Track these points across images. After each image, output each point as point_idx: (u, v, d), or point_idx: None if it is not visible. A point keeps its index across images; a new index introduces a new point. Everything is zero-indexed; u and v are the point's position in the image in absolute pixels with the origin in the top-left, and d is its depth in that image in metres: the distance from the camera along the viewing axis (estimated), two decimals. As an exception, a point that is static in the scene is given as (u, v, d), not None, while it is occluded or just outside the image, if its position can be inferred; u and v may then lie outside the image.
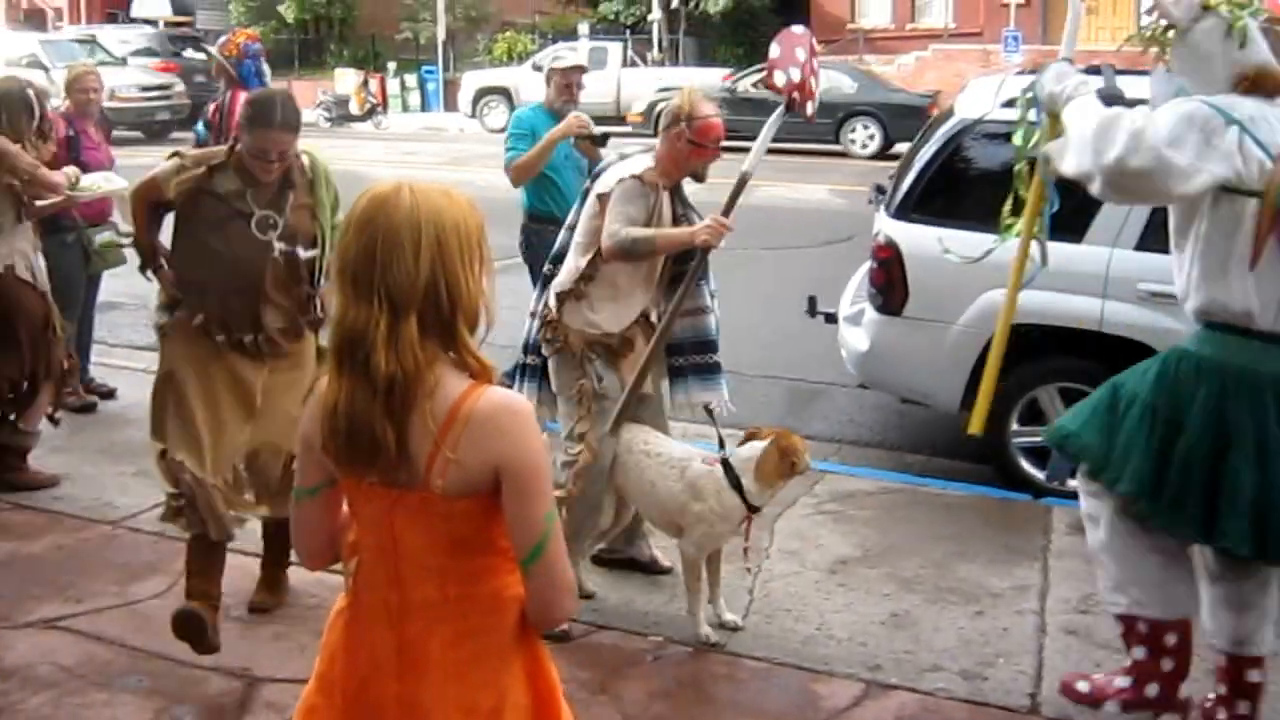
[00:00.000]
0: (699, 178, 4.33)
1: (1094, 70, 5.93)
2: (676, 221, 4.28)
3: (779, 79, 4.29)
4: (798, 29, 4.52)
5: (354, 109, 28.28)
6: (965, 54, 26.58)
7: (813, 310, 6.67)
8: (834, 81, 20.57)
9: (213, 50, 6.74)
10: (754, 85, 20.63)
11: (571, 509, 3.97)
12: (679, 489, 4.01)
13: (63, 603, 4.19)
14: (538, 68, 25.44)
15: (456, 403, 1.85)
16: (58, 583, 4.34)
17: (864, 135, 21.07)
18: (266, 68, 6.81)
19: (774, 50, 4.38)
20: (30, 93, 5.23)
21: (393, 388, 1.82)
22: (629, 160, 4.26)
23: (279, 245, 3.80)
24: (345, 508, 2.06)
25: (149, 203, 3.97)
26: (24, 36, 27.07)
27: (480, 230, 1.91)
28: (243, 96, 6.39)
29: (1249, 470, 3.14)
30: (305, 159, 3.93)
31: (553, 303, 4.23)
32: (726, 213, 4.19)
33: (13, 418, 5.31)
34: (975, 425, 4.50)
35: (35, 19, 37.02)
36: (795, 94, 4.28)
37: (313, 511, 2.06)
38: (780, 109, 4.34)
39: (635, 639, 4.01)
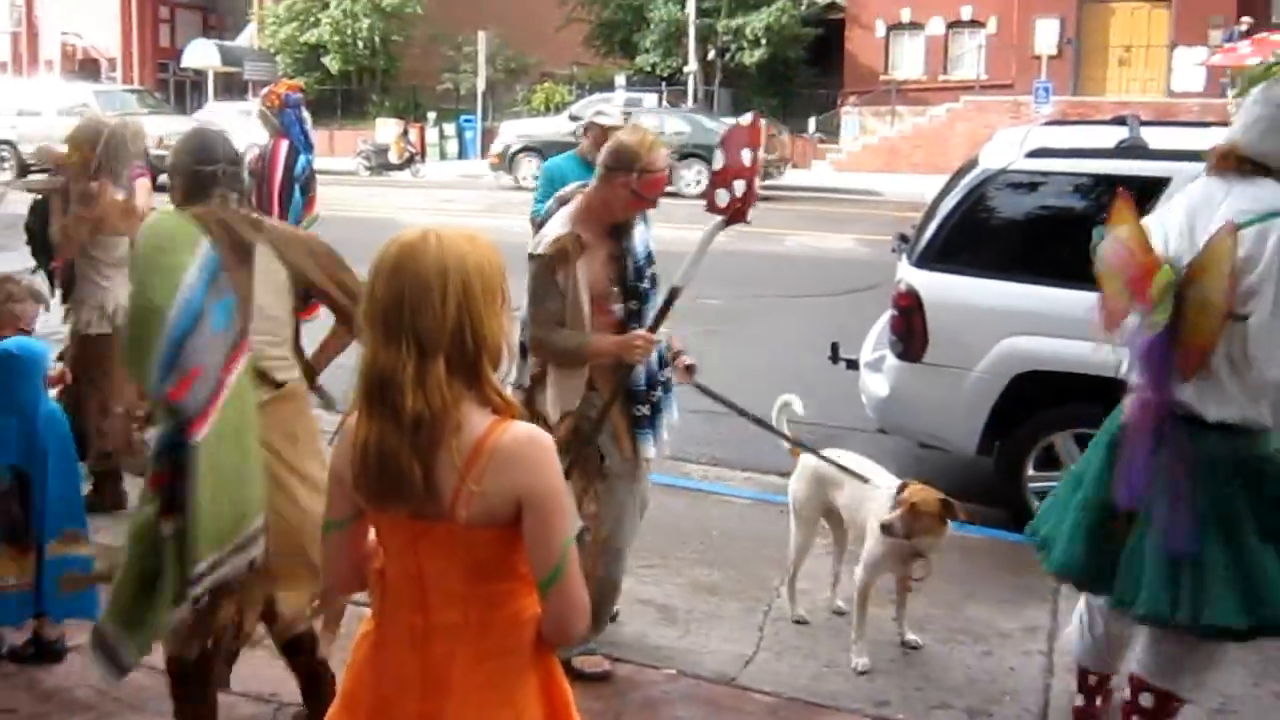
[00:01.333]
0: (624, 226, 4.07)
1: (1120, 121, 6.09)
2: (615, 262, 4.02)
3: (721, 199, 3.92)
4: (745, 119, 4.06)
5: (393, 158, 28.72)
6: (996, 105, 26.74)
7: (835, 356, 6.77)
8: (671, 126, 23.19)
9: (255, 101, 6.96)
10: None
11: (590, 590, 3.76)
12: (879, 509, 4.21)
13: (100, 630, 4.33)
14: (574, 118, 25.82)
15: (481, 438, 1.94)
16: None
17: (692, 175, 21.89)
18: (307, 115, 7.02)
19: (718, 160, 3.97)
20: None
21: (420, 426, 1.91)
22: (554, 219, 4.03)
23: None
24: (371, 537, 2.14)
25: None
26: (78, 86, 27.83)
27: (502, 272, 2.01)
28: (284, 144, 6.62)
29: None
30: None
31: (523, 394, 4.00)
32: (654, 328, 3.94)
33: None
34: None
35: (89, 69, 37.94)
36: (739, 205, 3.91)
37: (340, 543, 2.15)
38: (719, 221, 3.97)
39: (649, 671, 4.10)
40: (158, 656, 4.07)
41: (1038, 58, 28.22)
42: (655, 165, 3.90)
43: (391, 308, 1.93)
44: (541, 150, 21.51)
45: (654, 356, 4.04)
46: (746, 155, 3.93)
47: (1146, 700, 3.42)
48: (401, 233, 1.98)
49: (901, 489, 4.15)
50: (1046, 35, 28.49)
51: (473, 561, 2.00)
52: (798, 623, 4.47)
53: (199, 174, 3.41)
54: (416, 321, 1.91)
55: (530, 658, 2.08)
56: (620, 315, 4.01)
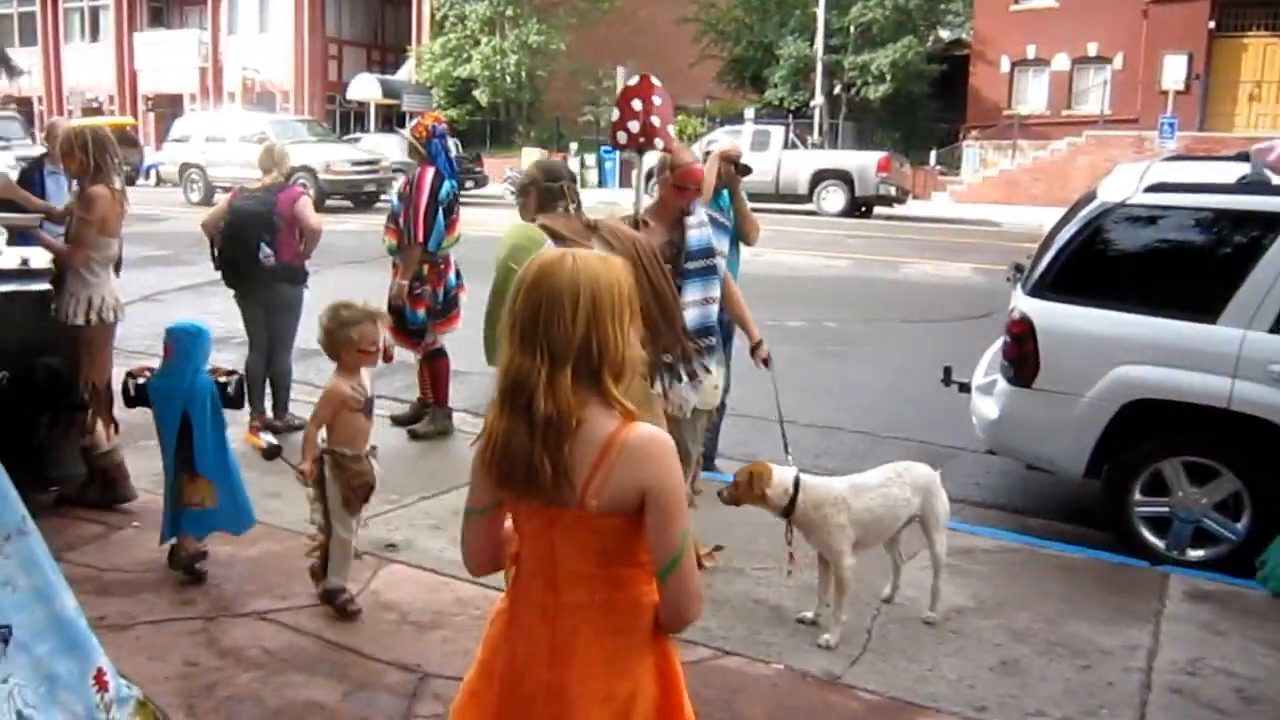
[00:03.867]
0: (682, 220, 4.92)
1: (1243, 156, 5.96)
2: (670, 248, 4.76)
3: (621, 138, 4.87)
4: (633, 81, 4.89)
5: (537, 184, 29.26)
6: (1119, 140, 26.05)
7: (947, 379, 6.76)
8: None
9: (405, 131, 7.18)
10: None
11: None
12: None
13: (271, 599, 4.58)
14: (708, 152, 26.03)
15: (611, 436, 2.05)
16: (267, 582, 4.74)
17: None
18: (452, 144, 7.25)
19: (614, 114, 4.87)
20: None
21: (549, 426, 2.03)
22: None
23: None
24: (508, 524, 2.26)
25: None
26: (257, 116, 29.14)
27: (631, 292, 2.11)
28: (430, 170, 6.83)
29: None
30: None
31: None
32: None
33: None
34: None
35: (266, 101, 39.58)
36: (641, 140, 4.81)
37: (480, 528, 2.26)
38: (642, 158, 4.91)
39: (759, 665, 4.17)
40: (319, 625, 4.34)
41: (1164, 93, 27.35)
42: (681, 160, 4.86)
43: (529, 320, 2.05)
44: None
45: (689, 321, 4.67)
46: (637, 104, 4.84)
47: None
48: (544, 252, 2.12)
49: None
50: (1174, 71, 27.58)
51: (600, 546, 2.10)
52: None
53: (549, 189, 4.91)
54: (549, 333, 2.03)
55: (648, 639, 2.17)
56: None
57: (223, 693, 3.83)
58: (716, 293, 4.93)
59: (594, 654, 2.13)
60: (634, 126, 4.79)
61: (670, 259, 4.78)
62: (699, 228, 4.91)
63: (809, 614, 4.53)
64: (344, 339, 4.43)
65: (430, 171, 6.74)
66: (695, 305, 4.84)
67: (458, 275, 7.04)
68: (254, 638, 4.26)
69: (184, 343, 4.76)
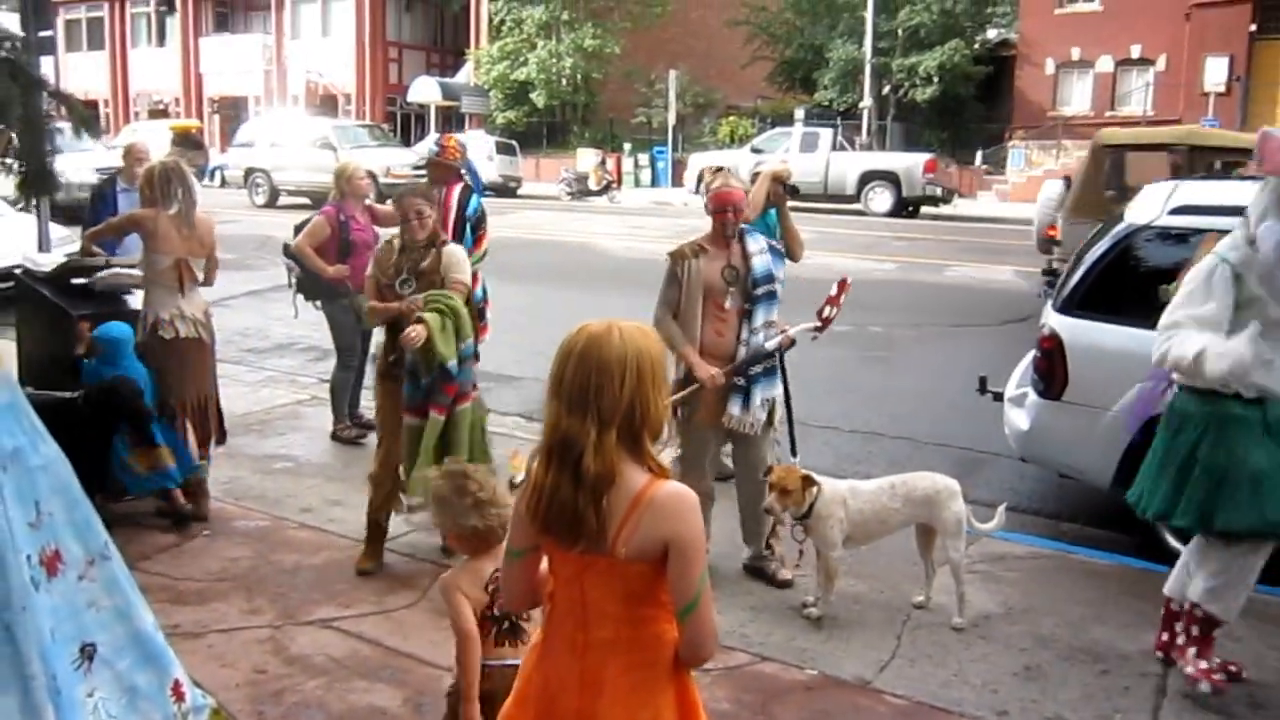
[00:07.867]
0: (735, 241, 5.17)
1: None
2: (731, 270, 5.11)
3: (827, 311, 5.43)
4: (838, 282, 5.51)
5: (591, 185, 29.51)
6: (1162, 141, 25.65)
7: (983, 389, 6.88)
8: None
9: (430, 146, 7.12)
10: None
11: None
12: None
13: (334, 607, 4.75)
14: (756, 150, 26.07)
15: (640, 491, 2.24)
16: (331, 590, 4.92)
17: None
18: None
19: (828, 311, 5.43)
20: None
21: (597, 483, 2.22)
22: None
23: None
24: (544, 566, 2.44)
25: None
26: (320, 120, 29.54)
27: (664, 359, 2.32)
28: (457, 188, 6.92)
29: None
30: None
31: None
32: (731, 375, 5.09)
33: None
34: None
35: (329, 104, 40.11)
36: (828, 321, 5.44)
37: (519, 568, 2.44)
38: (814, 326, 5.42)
39: (794, 670, 4.31)
40: (380, 632, 4.53)
41: (1205, 94, 27.01)
42: (711, 187, 5.18)
43: (579, 386, 2.23)
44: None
45: (758, 343, 5.10)
46: (837, 293, 5.47)
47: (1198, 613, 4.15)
48: (589, 323, 2.29)
49: (767, 471, 4.90)
50: (1215, 73, 27.25)
51: (626, 590, 2.29)
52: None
53: None
54: (600, 399, 2.22)
55: (669, 673, 2.35)
56: (733, 310, 5.12)
57: (290, 699, 4.00)
58: (775, 316, 5.21)
59: (620, 685, 2.31)
60: (829, 312, 5.47)
61: (731, 282, 5.11)
62: (760, 255, 5.17)
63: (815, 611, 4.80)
64: (439, 521, 3.28)
65: (458, 188, 6.80)
66: (762, 329, 5.13)
67: (484, 290, 7.14)
68: (319, 645, 4.42)
69: (112, 344, 5.59)
